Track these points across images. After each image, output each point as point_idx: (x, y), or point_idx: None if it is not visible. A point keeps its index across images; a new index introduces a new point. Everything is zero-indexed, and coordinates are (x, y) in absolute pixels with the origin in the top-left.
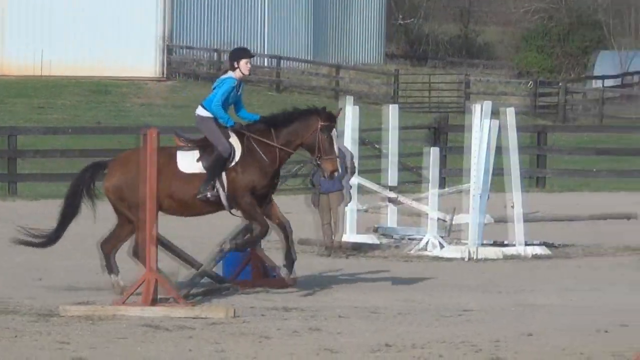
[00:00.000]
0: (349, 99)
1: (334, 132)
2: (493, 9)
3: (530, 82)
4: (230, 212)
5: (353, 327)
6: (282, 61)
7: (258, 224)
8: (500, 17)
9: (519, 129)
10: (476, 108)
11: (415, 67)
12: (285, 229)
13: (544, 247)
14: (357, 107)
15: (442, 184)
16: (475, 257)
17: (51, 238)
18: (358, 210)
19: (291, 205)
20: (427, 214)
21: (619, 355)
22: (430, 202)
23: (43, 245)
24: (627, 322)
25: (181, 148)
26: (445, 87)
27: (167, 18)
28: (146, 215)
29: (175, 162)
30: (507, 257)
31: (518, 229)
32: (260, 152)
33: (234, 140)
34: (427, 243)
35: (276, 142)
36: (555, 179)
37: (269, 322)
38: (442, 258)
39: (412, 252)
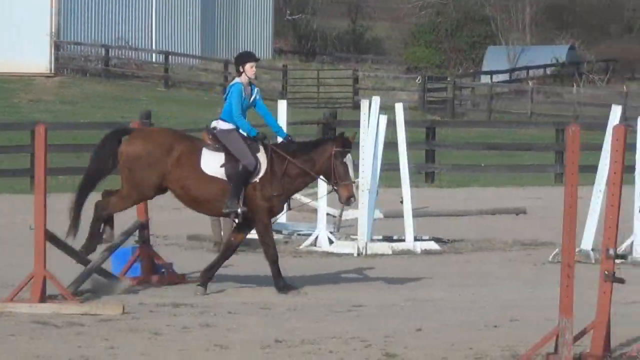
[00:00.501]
0: None
1: (348, 157)
2: (381, 4)
3: (419, 78)
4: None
5: (243, 323)
6: (170, 57)
7: (269, 248)
8: (388, 13)
9: (408, 124)
10: (365, 103)
11: (304, 63)
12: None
13: (433, 242)
14: None
15: None
16: (365, 253)
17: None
18: None
19: None
20: (317, 210)
21: (509, 350)
22: (319, 197)
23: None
24: (517, 317)
25: (207, 146)
26: (335, 82)
27: (54, 14)
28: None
29: (199, 158)
30: (397, 253)
31: (408, 224)
32: (284, 173)
33: (262, 155)
34: (317, 238)
35: (293, 167)
36: (444, 174)
37: (159, 319)
38: (332, 253)
39: (302, 247)
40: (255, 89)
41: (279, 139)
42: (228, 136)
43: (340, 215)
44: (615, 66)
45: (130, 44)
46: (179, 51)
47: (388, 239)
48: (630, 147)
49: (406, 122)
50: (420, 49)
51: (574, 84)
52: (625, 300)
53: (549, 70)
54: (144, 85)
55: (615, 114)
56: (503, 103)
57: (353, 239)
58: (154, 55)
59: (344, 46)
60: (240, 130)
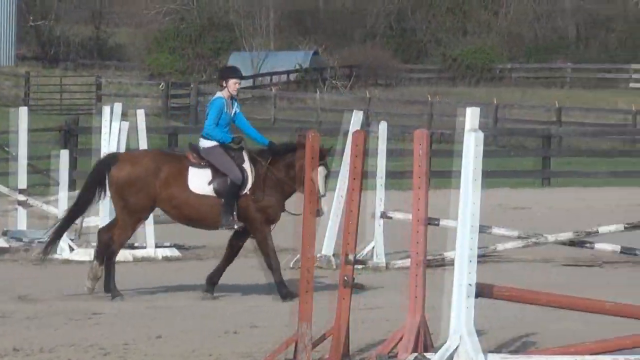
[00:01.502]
0: None
1: (320, 170)
2: (125, 10)
3: (162, 84)
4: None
5: None
6: None
7: (269, 258)
8: (132, 19)
9: (151, 130)
10: (106, 110)
11: (47, 69)
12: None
13: (174, 249)
14: None
15: (73, 186)
16: None
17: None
18: None
19: None
20: (56, 217)
21: (248, 356)
22: (60, 204)
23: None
24: (257, 324)
25: (193, 164)
26: (77, 89)
27: None
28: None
29: (187, 179)
30: (137, 260)
31: (148, 231)
32: (273, 179)
33: (247, 165)
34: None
35: (278, 173)
36: None
37: None
38: (72, 261)
39: (41, 255)
40: (236, 104)
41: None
42: (212, 153)
43: (82, 223)
44: (358, 72)
45: None
46: None
47: (129, 246)
48: (372, 153)
49: (148, 129)
50: (163, 55)
51: (317, 90)
52: (366, 305)
53: (292, 76)
54: None
55: (357, 119)
56: (246, 109)
57: (93, 247)
58: None
59: (87, 52)
60: (219, 143)
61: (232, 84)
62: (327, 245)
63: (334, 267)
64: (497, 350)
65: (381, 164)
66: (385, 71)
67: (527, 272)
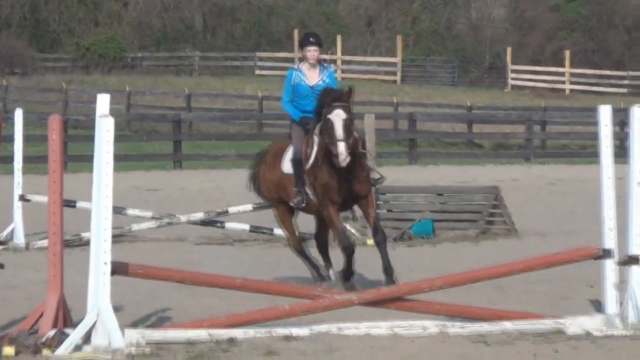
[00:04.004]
0: None
1: (334, 113)
2: None
3: None
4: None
5: None
6: None
7: (338, 236)
8: None
9: None
10: None
11: None
12: (376, 234)
13: None
14: None
15: None
16: None
17: None
18: None
19: None
20: None
21: None
22: None
23: None
24: None
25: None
26: None
27: None
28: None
29: (282, 159)
30: None
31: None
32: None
33: (316, 139)
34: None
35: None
36: None
37: None
38: None
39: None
40: (326, 72)
41: None
42: (292, 124)
43: None
44: None
45: None
46: None
47: None
48: (8, 139)
49: None
50: None
51: None
52: (6, 284)
53: None
54: None
55: None
56: None
57: None
58: None
59: None
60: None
61: (307, 52)
62: None
63: None
64: (134, 325)
65: (18, 149)
66: (21, 60)
67: (162, 251)
